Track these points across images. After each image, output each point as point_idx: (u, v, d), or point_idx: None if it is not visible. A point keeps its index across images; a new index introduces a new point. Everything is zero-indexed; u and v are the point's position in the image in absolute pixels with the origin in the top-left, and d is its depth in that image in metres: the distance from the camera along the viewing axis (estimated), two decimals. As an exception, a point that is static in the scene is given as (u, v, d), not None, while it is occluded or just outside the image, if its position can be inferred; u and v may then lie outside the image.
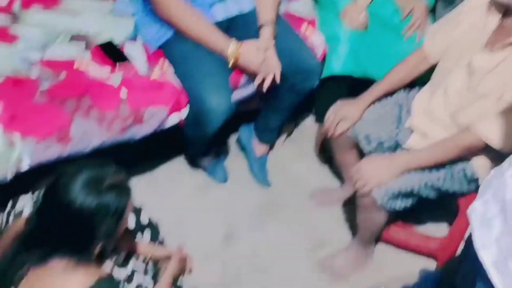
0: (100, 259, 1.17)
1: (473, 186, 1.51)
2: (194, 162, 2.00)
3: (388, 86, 1.66)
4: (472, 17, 1.46)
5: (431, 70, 1.63)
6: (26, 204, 1.28)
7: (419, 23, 1.90)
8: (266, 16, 1.70)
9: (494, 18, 1.40)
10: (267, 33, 1.68)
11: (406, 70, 1.65)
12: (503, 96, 1.33)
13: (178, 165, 2.01)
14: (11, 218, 1.27)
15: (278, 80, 1.66)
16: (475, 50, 1.41)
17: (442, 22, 1.61)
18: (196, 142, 1.85)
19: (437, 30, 1.60)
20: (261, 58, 1.64)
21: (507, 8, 1.36)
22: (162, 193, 1.91)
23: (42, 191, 1.12)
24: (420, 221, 1.88)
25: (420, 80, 1.67)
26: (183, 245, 1.50)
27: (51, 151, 1.48)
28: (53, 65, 1.60)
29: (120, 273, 1.25)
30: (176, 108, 1.67)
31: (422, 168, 1.47)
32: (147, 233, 1.47)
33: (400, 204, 1.50)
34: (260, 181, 2.00)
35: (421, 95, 1.61)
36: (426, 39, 1.63)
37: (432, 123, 1.54)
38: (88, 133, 1.51)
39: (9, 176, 1.45)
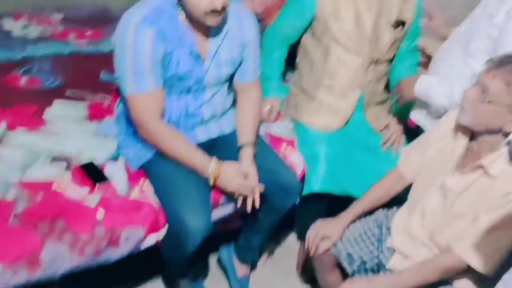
0: None
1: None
2: (172, 283, 1.91)
3: (367, 205, 1.68)
4: (441, 142, 1.52)
5: (409, 188, 1.66)
6: None
7: (394, 138, 1.98)
8: (246, 137, 1.75)
9: (462, 142, 1.46)
10: (247, 154, 1.72)
11: (383, 189, 1.68)
12: (478, 218, 1.34)
13: (155, 287, 1.92)
14: None
15: (257, 202, 1.66)
16: (447, 172, 1.45)
17: (413, 144, 1.68)
18: (174, 262, 1.78)
19: (410, 151, 1.66)
20: (240, 179, 1.66)
21: (473, 132, 1.43)
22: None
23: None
24: None
25: (399, 198, 1.69)
26: None
27: (19, 276, 1.41)
28: (31, 187, 1.59)
29: None
30: (154, 228, 1.64)
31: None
32: None
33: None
34: (241, 303, 1.91)
35: (399, 215, 1.62)
36: (400, 160, 1.68)
37: (412, 243, 1.52)
38: (59, 257, 1.45)
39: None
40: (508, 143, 0.89)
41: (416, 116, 1.93)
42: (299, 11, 1.94)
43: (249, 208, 1.66)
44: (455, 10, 2.40)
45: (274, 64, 2.06)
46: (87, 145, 1.79)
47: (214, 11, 1.50)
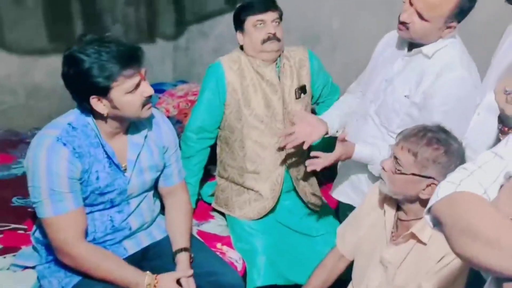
0: None
1: None
2: None
3: (313, 291, 1.64)
4: (372, 216, 1.56)
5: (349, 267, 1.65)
6: None
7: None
8: (180, 243, 1.68)
9: (390, 213, 1.51)
10: (182, 259, 1.64)
11: (326, 272, 1.66)
12: (421, 287, 1.35)
13: None
14: None
15: None
16: (383, 246, 1.47)
17: (346, 222, 1.70)
18: None
19: (344, 230, 1.68)
20: None
21: (398, 201, 1.48)
22: None
23: None
24: None
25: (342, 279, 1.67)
26: None
27: None
28: None
29: None
30: None
31: None
32: None
33: None
34: None
35: (346, 298, 1.59)
36: (338, 239, 1.68)
37: (365, 325, 1.49)
38: None
39: None
40: (429, 210, 0.93)
41: (339, 193, 1.96)
42: (211, 102, 1.97)
43: None
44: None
45: (193, 170, 2.01)
46: (2, 282, 1.60)
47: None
